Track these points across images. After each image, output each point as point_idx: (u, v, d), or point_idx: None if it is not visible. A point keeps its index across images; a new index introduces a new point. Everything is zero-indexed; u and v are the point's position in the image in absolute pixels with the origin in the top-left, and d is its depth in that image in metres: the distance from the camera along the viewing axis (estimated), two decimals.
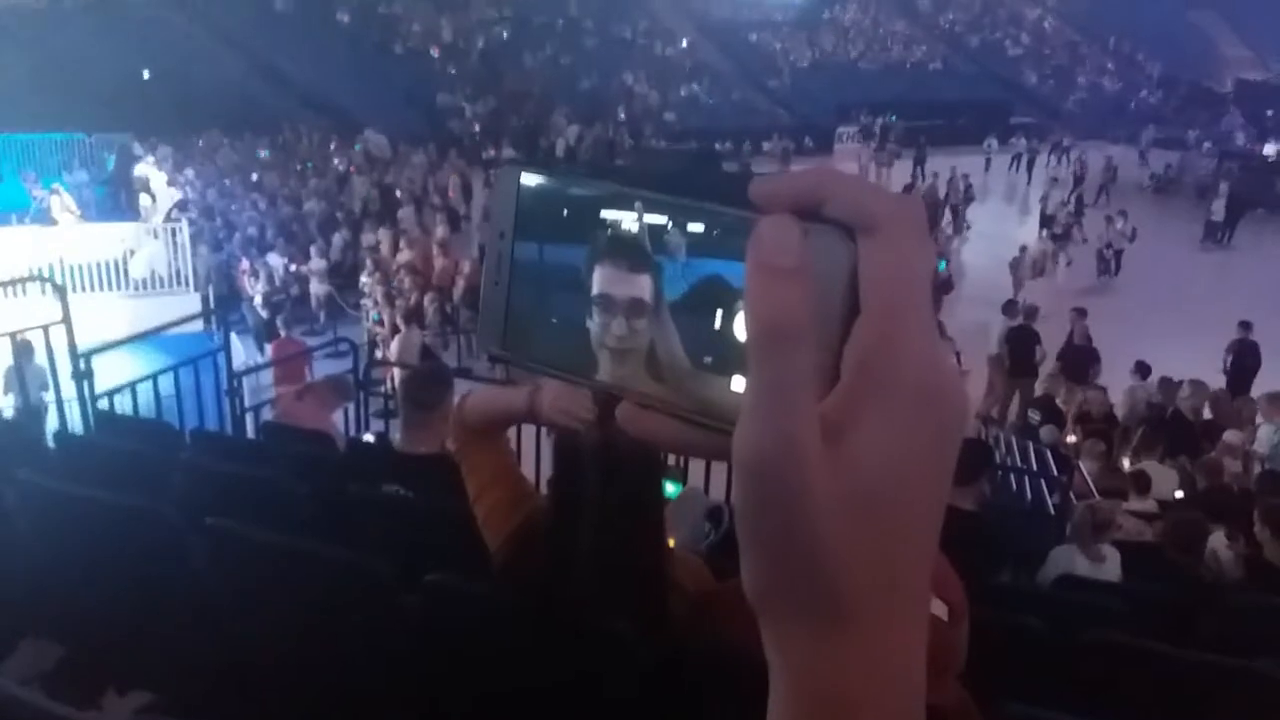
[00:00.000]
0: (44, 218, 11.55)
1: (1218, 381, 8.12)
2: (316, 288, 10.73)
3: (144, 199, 13.33)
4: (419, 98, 22.18)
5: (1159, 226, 16.61)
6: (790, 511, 0.25)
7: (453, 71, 23.45)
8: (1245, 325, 8.76)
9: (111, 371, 4.84)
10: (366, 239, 11.85)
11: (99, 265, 9.80)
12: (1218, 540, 3.60)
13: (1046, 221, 15.05)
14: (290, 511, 2.49)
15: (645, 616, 1.46)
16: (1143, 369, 7.96)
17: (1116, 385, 7.89)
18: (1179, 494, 5.33)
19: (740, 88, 26.77)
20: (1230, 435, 6.39)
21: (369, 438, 5.04)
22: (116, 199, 14.64)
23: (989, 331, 8.94)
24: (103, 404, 4.53)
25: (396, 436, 3.30)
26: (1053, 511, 5.31)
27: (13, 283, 6.28)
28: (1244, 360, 8.61)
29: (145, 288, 10.00)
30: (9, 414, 4.62)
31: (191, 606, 2.07)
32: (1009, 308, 9.18)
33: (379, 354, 8.37)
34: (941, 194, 16.28)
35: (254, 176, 15.00)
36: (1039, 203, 16.16)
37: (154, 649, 2.05)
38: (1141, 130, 25.20)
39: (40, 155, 15.97)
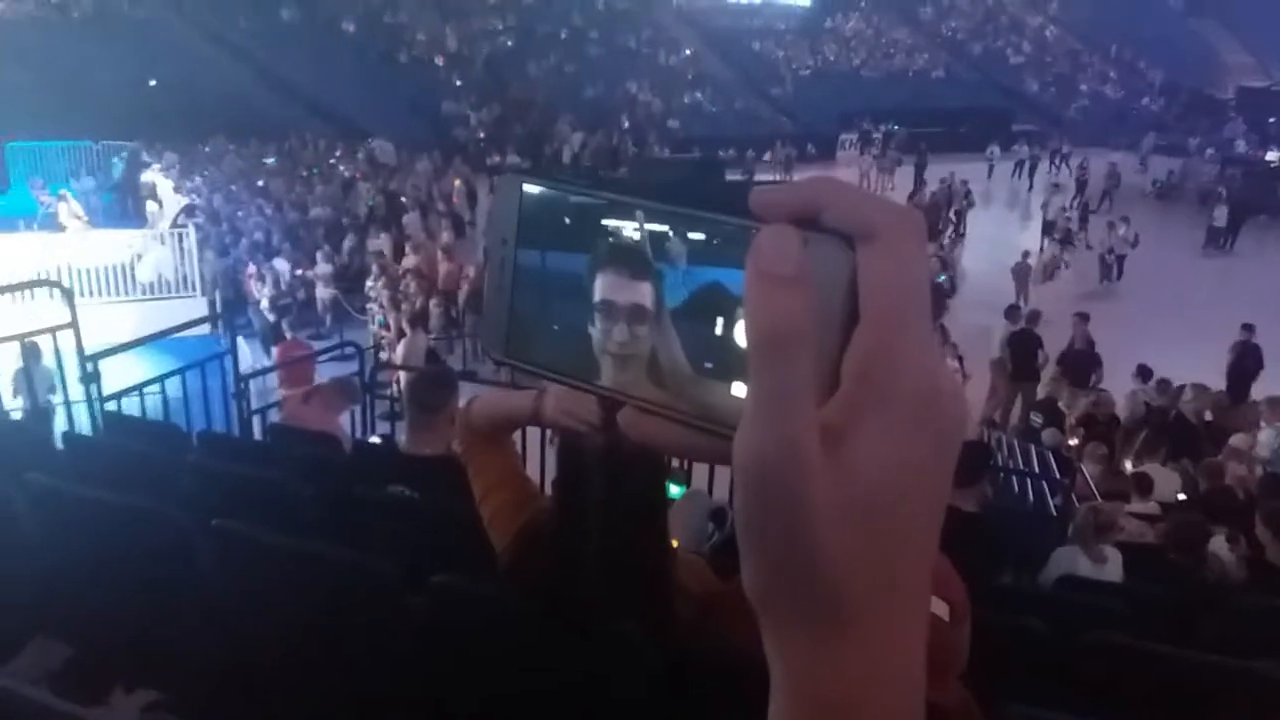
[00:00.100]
0: (51, 224, 11.62)
1: (1220, 386, 8.12)
2: (322, 292, 10.79)
3: (151, 205, 13.41)
4: (424, 106, 22.29)
5: (1161, 232, 16.60)
6: (791, 517, 0.26)
7: (458, 80, 23.57)
8: (1248, 328, 8.83)
9: (119, 375, 4.86)
10: (372, 244, 11.92)
11: (106, 271, 9.85)
12: (1219, 542, 3.60)
13: (1048, 228, 15.08)
14: (297, 513, 2.50)
15: (651, 617, 1.47)
16: (1144, 373, 7.98)
17: (1118, 389, 7.89)
18: (1181, 496, 5.33)
19: (743, 96, 26.84)
20: (1236, 439, 6.39)
21: (375, 440, 5.06)
22: (124, 205, 14.74)
23: (991, 336, 8.95)
24: (110, 407, 4.56)
25: (402, 439, 3.32)
26: (1055, 513, 5.31)
27: (20, 287, 6.32)
28: (1245, 362, 8.65)
29: (152, 292, 10.05)
30: (17, 416, 4.65)
31: (198, 607, 2.08)
32: (1011, 312, 9.21)
33: (385, 357, 8.41)
34: (942, 200, 16.31)
35: (260, 183, 15.08)
36: (1040, 209, 16.18)
37: (161, 649, 2.06)
38: (1142, 137, 25.21)
39: (48, 162, 16.09)
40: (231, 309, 9.73)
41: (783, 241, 0.26)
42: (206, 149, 17.13)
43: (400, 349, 7.84)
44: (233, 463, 3.03)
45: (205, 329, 7.97)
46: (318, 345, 8.42)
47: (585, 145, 21.65)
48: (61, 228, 11.11)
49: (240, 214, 13.01)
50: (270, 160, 17.11)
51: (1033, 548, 3.77)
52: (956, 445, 0.27)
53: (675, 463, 3.09)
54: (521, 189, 0.34)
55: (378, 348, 8.89)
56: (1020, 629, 2.14)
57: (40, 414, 4.80)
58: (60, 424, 4.65)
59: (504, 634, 1.71)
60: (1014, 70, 32.18)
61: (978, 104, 28.08)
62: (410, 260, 10.96)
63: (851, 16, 32.67)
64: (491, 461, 1.61)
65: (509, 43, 25.78)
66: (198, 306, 9.67)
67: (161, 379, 4.85)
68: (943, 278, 10.86)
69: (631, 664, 1.52)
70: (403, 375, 6.78)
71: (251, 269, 10.76)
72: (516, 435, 2.02)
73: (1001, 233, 16.73)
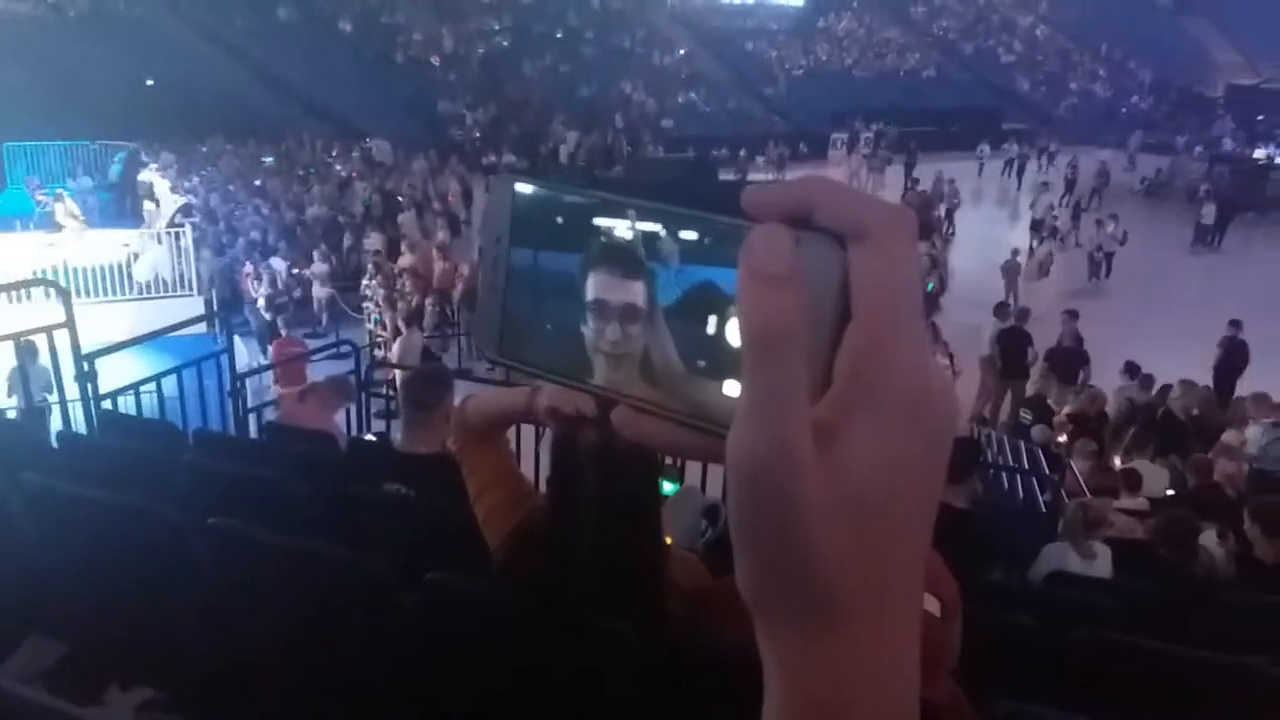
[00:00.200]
0: (48, 223, 11.56)
1: (1207, 382, 8.19)
2: (319, 291, 10.77)
3: (148, 205, 13.36)
4: (420, 105, 22.25)
5: (1150, 230, 16.67)
6: (783, 515, 0.26)
7: (453, 80, 23.53)
8: (1235, 324, 8.90)
9: (115, 374, 4.85)
10: (368, 243, 11.90)
11: (103, 270, 9.82)
12: (1208, 538, 3.63)
13: (1035, 225, 15.16)
14: (292, 511, 2.50)
15: (644, 615, 1.47)
16: (1132, 370, 8.04)
17: (1106, 386, 7.96)
18: (1170, 492, 5.36)
19: (736, 96, 26.87)
20: (1228, 436, 6.45)
21: (370, 438, 5.06)
22: (120, 205, 14.67)
23: (981, 333, 8.99)
24: (106, 405, 4.55)
25: (397, 436, 3.32)
26: (1044, 509, 5.35)
27: (17, 286, 6.28)
28: (1232, 357, 8.72)
29: (149, 292, 10.02)
30: (13, 415, 4.63)
31: (194, 605, 2.07)
32: (1000, 310, 9.25)
33: (380, 355, 8.40)
34: (934, 198, 16.37)
35: (257, 182, 15.03)
36: (1029, 208, 16.27)
37: (157, 648, 2.06)
38: (1130, 135, 25.33)
39: (45, 162, 16.02)
40: (228, 308, 9.72)
41: (775, 240, 0.26)
42: (204, 148, 17.07)
43: (396, 347, 7.84)
44: (228, 461, 3.03)
45: (202, 328, 7.96)
46: (314, 344, 8.43)
47: (580, 145, 21.65)
48: (58, 227, 11.04)
49: (237, 213, 12.97)
50: (267, 160, 17.06)
51: (1022, 544, 3.79)
52: (948, 443, 0.27)
53: (668, 460, 3.10)
54: (514, 189, 0.34)
55: (373, 346, 8.88)
56: (1010, 625, 2.14)
57: (36, 413, 4.78)
58: (56, 423, 4.63)
59: (498, 631, 1.71)
60: (1005, 69, 32.30)
61: (968, 103, 28.19)
62: (406, 259, 10.95)
63: (844, 16, 32.74)
64: (486, 459, 1.61)
65: (504, 43, 25.75)
66: (194, 305, 9.65)
67: (158, 378, 4.83)
68: (931, 286, 10.87)
69: (625, 661, 1.53)
70: (398, 373, 6.78)
71: (248, 268, 10.73)
72: (511, 433, 2.03)
73: (991, 231, 16.79)
